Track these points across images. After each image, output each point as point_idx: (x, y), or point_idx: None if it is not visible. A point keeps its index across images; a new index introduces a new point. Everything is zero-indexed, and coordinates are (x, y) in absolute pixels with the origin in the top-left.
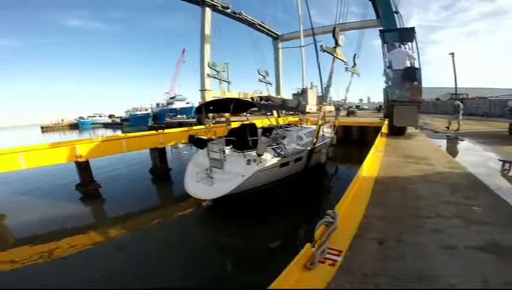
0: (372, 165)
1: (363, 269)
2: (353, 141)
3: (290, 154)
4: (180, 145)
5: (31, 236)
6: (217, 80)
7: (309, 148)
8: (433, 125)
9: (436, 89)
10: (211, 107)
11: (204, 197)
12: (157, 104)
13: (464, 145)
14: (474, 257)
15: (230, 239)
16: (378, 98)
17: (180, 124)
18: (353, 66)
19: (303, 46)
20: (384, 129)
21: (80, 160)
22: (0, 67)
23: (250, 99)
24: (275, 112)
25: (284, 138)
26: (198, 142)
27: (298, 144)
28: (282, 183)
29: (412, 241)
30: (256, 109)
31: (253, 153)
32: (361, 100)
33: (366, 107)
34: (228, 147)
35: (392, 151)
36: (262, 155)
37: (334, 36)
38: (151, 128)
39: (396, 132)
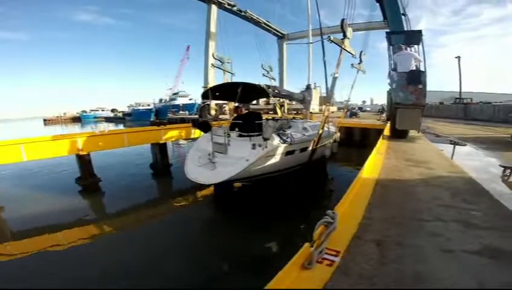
0: (373, 167)
1: (360, 269)
2: (355, 143)
3: (296, 142)
4: (182, 141)
5: (28, 228)
6: (221, 78)
7: (315, 138)
8: (435, 129)
9: (440, 92)
10: (217, 93)
11: (206, 182)
12: (160, 100)
13: (465, 150)
14: (472, 261)
15: (229, 236)
16: (382, 100)
17: (183, 120)
18: (359, 63)
19: (311, 43)
20: (387, 132)
21: (81, 153)
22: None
23: (259, 85)
24: (278, 111)
25: (289, 127)
26: (202, 126)
27: (304, 135)
28: (286, 174)
29: (410, 243)
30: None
31: (259, 137)
32: (364, 102)
33: (368, 109)
34: (233, 132)
35: (394, 154)
36: (269, 139)
37: (342, 28)
38: (153, 123)
39: (399, 135)
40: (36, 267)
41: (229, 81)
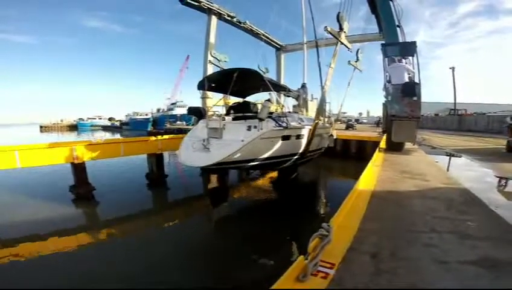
0: (369, 179)
1: (354, 282)
2: (351, 155)
3: (292, 127)
4: (178, 152)
5: (16, 235)
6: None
7: (311, 127)
8: (431, 141)
9: (435, 104)
10: (213, 84)
11: (200, 164)
12: (158, 110)
13: (461, 161)
14: (467, 271)
15: (223, 250)
16: (378, 112)
17: (180, 131)
18: (356, 61)
19: (305, 43)
20: (383, 144)
21: (76, 162)
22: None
23: (254, 70)
24: (273, 108)
25: (285, 117)
26: (196, 111)
27: (299, 123)
28: (282, 164)
29: (405, 255)
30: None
31: (255, 120)
32: (360, 114)
33: (365, 121)
34: (228, 116)
35: (390, 166)
36: (264, 120)
37: (338, 21)
38: (150, 133)
39: (395, 147)
40: (19, 276)
41: None
